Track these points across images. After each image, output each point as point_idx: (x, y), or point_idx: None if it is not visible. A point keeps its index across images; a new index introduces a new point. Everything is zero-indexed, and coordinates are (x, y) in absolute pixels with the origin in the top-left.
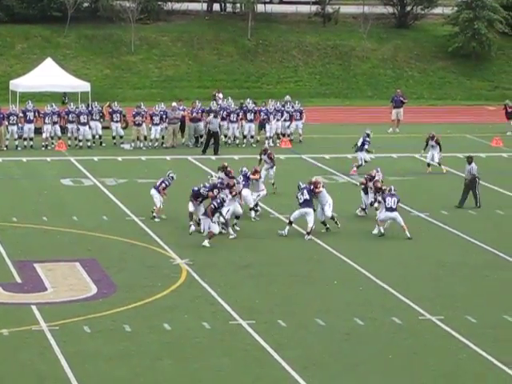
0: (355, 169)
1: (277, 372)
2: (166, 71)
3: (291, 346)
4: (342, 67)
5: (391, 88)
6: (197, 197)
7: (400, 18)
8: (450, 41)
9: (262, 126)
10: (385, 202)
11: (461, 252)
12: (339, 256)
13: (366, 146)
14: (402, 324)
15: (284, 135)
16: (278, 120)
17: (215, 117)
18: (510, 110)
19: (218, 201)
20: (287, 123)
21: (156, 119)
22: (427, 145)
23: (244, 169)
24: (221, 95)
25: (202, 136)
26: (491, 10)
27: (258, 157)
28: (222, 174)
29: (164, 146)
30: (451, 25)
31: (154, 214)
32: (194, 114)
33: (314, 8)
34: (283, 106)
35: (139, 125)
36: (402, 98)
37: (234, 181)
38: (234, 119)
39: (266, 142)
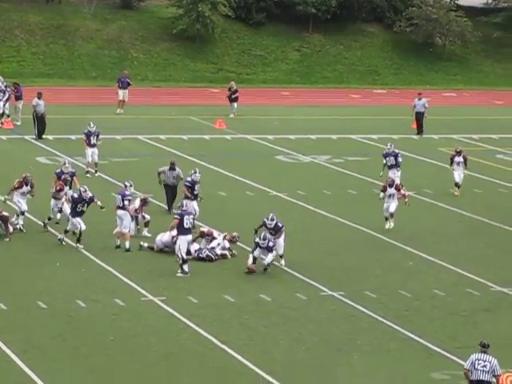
0: None
1: None
2: None
3: (11, 330)
4: (66, 47)
5: (116, 69)
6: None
7: None
8: (175, 23)
9: None
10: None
11: None
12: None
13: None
14: (125, 305)
15: (8, 116)
16: (0, 100)
17: (39, 98)
18: (234, 96)
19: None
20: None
21: None
22: (452, 162)
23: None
24: None
25: None
26: None
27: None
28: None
29: None
30: (176, 7)
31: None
32: None
33: None
34: (5, 86)
35: None
36: (128, 80)
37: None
38: None
39: None
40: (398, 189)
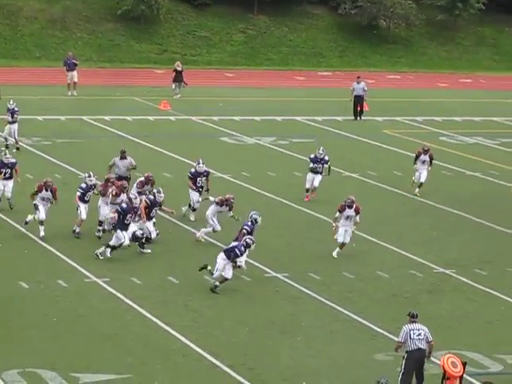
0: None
1: None
2: None
3: None
4: (9, 27)
5: (60, 50)
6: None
7: None
8: (120, 3)
9: None
10: None
11: None
12: (4, 218)
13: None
14: (68, 287)
15: None
16: None
17: None
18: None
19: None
20: None
21: None
22: (417, 159)
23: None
24: None
25: None
26: None
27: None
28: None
29: None
30: None
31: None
32: None
33: None
34: None
35: None
36: (74, 61)
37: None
38: None
39: None
40: (357, 212)
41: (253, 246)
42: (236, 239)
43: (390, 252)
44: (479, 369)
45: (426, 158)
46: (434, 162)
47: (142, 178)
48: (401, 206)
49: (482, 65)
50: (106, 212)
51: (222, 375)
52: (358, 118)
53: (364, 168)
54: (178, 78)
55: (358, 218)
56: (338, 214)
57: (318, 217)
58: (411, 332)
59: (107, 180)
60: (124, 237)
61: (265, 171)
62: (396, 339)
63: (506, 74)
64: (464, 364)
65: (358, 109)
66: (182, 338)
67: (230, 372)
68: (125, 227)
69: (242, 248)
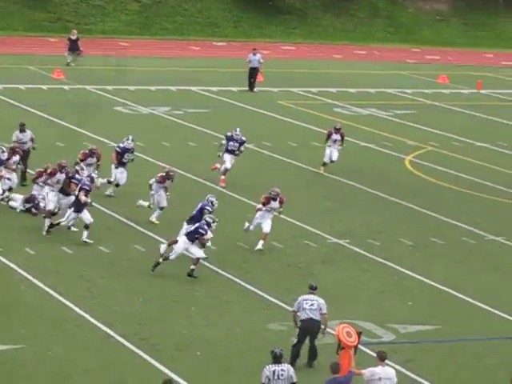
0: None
1: None
2: None
3: None
4: None
5: None
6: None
7: None
8: None
9: None
10: None
11: None
12: None
13: None
14: None
15: None
16: None
17: None
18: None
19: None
20: None
21: None
22: (328, 138)
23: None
24: None
25: None
26: None
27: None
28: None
29: None
30: None
31: None
32: None
33: None
34: None
35: None
36: None
37: None
38: None
39: None
40: (281, 202)
41: (213, 225)
42: (191, 220)
43: (284, 222)
44: (372, 338)
45: (338, 136)
46: (345, 139)
47: (86, 151)
48: (295, 177)
49: (376, 37)
50: (8, 181)
51: (115, 345)
52: (252, 89)
53: (259, 138)
54: (73, 46)
55: (281, 208)
56: (260, 206)
57: (212, 187)
58: (304, 302)
59: (12, 149)
60: (68, 217)
61: (159, 141)
62: (289, 309)
63: (400, 46)
64: (359, 334)
65: (252, 80)
66: (76, 309)
67: (124, 342)
68: (80, 207)
69: (205, 226)
